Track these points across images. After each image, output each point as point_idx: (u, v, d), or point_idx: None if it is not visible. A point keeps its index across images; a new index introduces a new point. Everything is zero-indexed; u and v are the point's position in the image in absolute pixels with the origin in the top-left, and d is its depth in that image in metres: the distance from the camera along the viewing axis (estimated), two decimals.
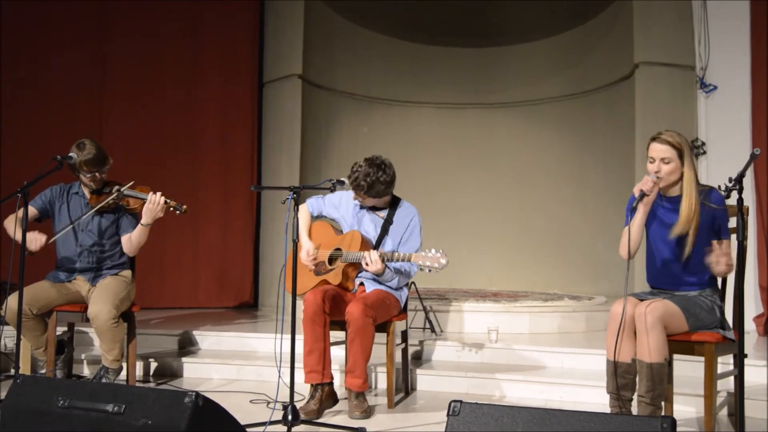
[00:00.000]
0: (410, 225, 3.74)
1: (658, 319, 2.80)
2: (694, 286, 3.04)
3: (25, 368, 3.91)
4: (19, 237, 3.54)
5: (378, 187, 3.62)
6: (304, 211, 3.87)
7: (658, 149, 2.96)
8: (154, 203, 3.71)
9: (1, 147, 5.69)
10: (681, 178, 2.98)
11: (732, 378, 3.03)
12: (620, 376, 2.90)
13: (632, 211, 2.93)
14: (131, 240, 3.87)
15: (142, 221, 3.78)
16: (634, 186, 2.97)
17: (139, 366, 4.32)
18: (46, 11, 5.94)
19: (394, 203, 3.81)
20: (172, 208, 3.76)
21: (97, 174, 3.78)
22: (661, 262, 3.09)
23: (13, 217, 3.66)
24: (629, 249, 2.94)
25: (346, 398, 3.53)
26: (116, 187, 3.84)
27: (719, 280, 3.12)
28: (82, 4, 6.09)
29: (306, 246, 3.76)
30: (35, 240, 3.65)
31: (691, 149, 3.04)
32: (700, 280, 3.04)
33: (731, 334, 2.97)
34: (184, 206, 3.77)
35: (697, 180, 3.02)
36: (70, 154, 3.66)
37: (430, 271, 3.36)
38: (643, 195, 2.90)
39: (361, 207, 3.79)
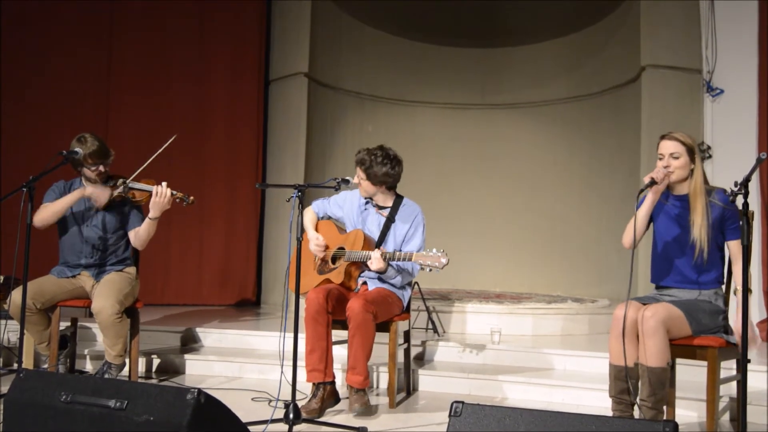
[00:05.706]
0: (414, 222, 3.72)
1: (661, 323, 2.79)
2: (699, 284, 3.03)
3: (28, 363, 3.91)
4: (56, 212, 3.62)
5: (384, 166, 3.62)
6: (310, 212, 3.89)
7: (667, 145, 3.02)
8: (161, 196, 3.70)
9: (6, 142, 5.71)
10: (691, 177, 3.01)
11: (734, 383, 3.02)
12: (622, 380, 2.89)
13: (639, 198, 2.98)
14: (139, 234, 3.85)
15: (150, 215, 3.76)
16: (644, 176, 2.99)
17: (142, 362, 4.32)
18: (52, 5, 5.97)
19: (397, 201, 3.80)
20: (178, 200, 3.75)
21: (101, 167, 3.76)
22: (667, 259, 3.08)
23: (41, 211, 3.70)
24: (635, 236, 2.96)
25: (347, 397, 3.53)
26: (121, 180, 3.82)
27: (724, 282, 3.11)
28: None
29: (313, 238, 3.76)
30: (101, 194, 3.74)
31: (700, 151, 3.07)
32: (706, 279, 3.03)
33: (734, 339, 2.97)
34: (191, 197, 3.76)
35: (706, 180, 3.05)
36: (75, 149, 3.65)
37: (431, 270, 3.34)
38: (653, 183, 2.92)
39: (366, 202, 3.78)
